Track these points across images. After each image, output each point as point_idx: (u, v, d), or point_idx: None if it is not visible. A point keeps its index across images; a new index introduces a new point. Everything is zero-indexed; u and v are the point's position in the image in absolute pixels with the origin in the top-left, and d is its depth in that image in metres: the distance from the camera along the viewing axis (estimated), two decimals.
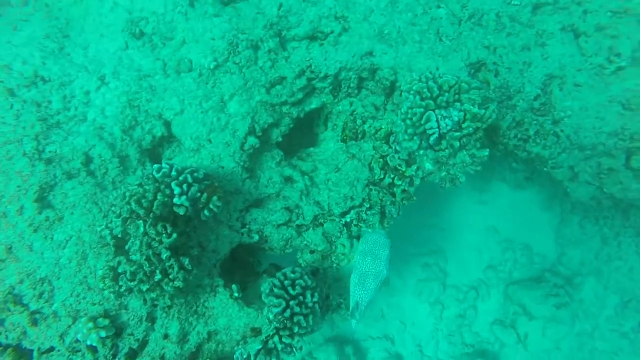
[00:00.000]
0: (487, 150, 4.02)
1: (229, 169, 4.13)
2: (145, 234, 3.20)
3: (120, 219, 3.24)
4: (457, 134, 3.79)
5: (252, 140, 4.24)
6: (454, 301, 7.06)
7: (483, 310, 7.11)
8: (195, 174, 3.49)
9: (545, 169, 5.06)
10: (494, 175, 7.78)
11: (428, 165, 4.31)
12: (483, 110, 3.83)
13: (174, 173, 3.42)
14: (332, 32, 4.61)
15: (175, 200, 3.33)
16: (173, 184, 3.35)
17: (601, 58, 4.95)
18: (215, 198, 3.55)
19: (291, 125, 4.69)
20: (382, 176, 4.52)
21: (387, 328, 6.65)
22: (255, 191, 4.24)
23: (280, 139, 4.65)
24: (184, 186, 3.37)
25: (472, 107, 3.72)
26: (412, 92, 3.85)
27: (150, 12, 4.64)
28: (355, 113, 4.72)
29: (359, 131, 4.73)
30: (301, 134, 5.41)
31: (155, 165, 3.46)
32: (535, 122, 4.82)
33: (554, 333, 6.64)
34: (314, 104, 4.72)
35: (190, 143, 4.19)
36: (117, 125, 4.10)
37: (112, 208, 3.34)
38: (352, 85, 4.63)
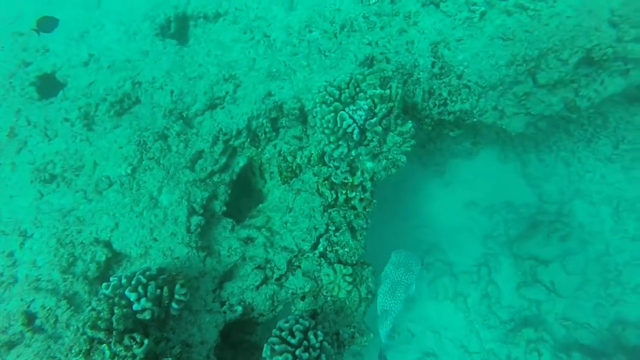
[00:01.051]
0: (411, 121, 4.11)
1: (184, 257, 3.92)
2: (114, 355, 2.87)
3: (80, 355, 2.90)
4: (374, 119, 3.87)
5: (195, 219, 4.11)
6: (471, 286, 6.78)
7: (502, 280, 6.85)
8: (148, 272, 3.27)
9: (475, 120, 5.21)
10: (444, 155, 7.94)
11: (368, 164, 4.32)
12: (387, 90, 3.97)
13: (124, 281, 3.18)
14: (227, 93, 4.77)
15: (135, 306, 3.08)
16: (127, 292, 3.11)
17: (465, 12, 5.39)
18: (177, 287, 3.31)
19: (229, 192, 4.61)
20: (334, 196, 4.47)
21: (422, 344, 6.19)
22: (220, 265, 4.01)
23: (224, 208, 4.54)
24: (140, 289, 3.14)
25: (374, 90, 3.85)
26: (317, 104, 3.95)
27: (53, 154, 4.61)
28: (282, 153, 4.75)
29: (294, 167, 4.73)
30: (248, 199, 5.34)
31: (104, 284, 3.22)
32: (443, 84, 5.06)
33: (575, 266, 6.46)
34: (241, 162, 4.71)
35: (136, 250, 3.98)
36: (54, 269, 3.85)
37: (71, 350, 3.01)
38: (267, 129, 4.70)
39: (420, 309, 6.61)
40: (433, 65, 5.16)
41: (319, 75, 4.80)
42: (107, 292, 3.14)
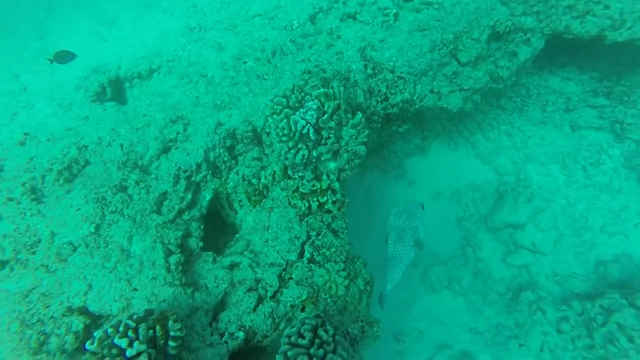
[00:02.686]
0: (360, 113, 4.32)
1: (170, 297, 3.70)
2: None
3: None
4: (325, 116, 4.04)
5: (174, 258, 3.93)
6: (461, 269, 6.85)
7: (487, 255, 7.01)
8: (135, 316, 3.05)
9: (417, 106, 5.55)
10: (399, 157, 8.26)
11: (331, 164, 4.43)
12: (330, 89, 4.18)
13: (110, 330, 2.94)
14: (177, 133, 4.78)
15: (129, 353, 2.83)
16: (116, 340, 2.86)
17: (380, 17, 5.92)
18: (171, 323, 3.10)
19: (202, 227, 4.50)
20: (307, 205, 4.50)
21: (433, 338, 6.06)
22: (210, 297, 3.81)
23: (201, 244, 4.39)
24: (130, 333, 2.90)
25: (318, 90, 4.05)
26: (268, 117, 4.07)
27: (1, 237, 4.31)
28: (246, 177, 4.75)
29: (261, 188, 4.72)
30: (224, 236, 5.21)
31: (87, 342, 2.95)
32: (379, 81, 5.40)
33: (547, 223, 6.77)
34: (207, 195, 4.64)
35: (117, 306, 3.71)
36: (22, 354, 3.47)
37: None
38: (225, 158, 4.72)
39: (421, 306, 6.54)
40: (366, 67, 5.52)
41: (262, 97, 4.97)
42: (93, 347, 2.87)
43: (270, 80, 5.19)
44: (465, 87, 5.64)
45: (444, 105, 5.58)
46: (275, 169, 4.61)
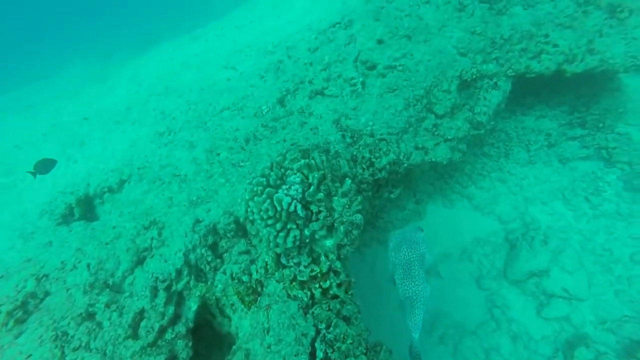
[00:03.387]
0: (349, 179, 3.94)
1: None
2: None
3: None
4: (312, 188, 3.63)
5: None
6: (494, 335, 6.00)
7: (519, 313, 6.22)
8: None
9: (405, 165, 5.24)
10: (395, 226, 7.79)
11: (328, 242, 3.91)
12: (312, 160, 3.85)
13: None
14: (152, 239, 4.25)
15: None
16: None
17: (348, 88, 5.91)
18: None
19: (190, 344, 3.74)
20: (309, 294, 3.87)
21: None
22: None
23: None
24: None
25: (299, 162, 3.70)
26: (249, 202, 3.64)
27: None
28: (235, 275, 4.14)
29: (254, 285, 4.10)
30: (219, 351, 4.41)
31: None
32: (361, 147, 5.15)
33: (572, 263, 6.18)
34: (192, 305, 3.97)
35: None
36: None
37: None
38: (209, 258, 4.16)
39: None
40: (344, 136, 5.31)
41: (241, 184, 4.59)
42: None
43: (247, 166, 4.88)
44: (449, 137, 5.44)
45: (433, 159, 5.31)
46: (266, 260, 4.04)
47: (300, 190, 3.57)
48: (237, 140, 5.37)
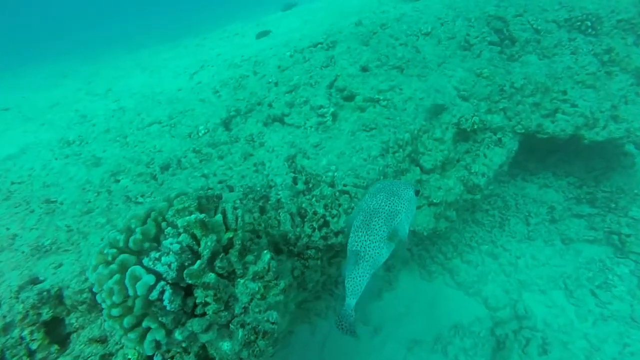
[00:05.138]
0: (268, 253, 2.50)
1: None
2: None
3: None
4: (198, 263, 2.17)
5: None
6: None
7: None
8: None
9: None
10: None
11: (225, 346, 2.41)
12: (219, 215, 2.41)
13: None
14: None
15: None
16: None
17: (314, 118, 4.60)
18: None
19: None
20: None
21: None
22: None
23: None
24: None
25: (189, 217, 2.26)
26: (93, 268, 2.15)
27: None
28: None
29: None
30: None
31: None
32: (314, 199, 3.75)
33: None
34: None
35: None
36: None
37: None
38: (34, 345, 2.60)
39: None
40: (295, 180, 3.93)
41: None
42: None
43: (146, 204, 3.41)
44: (435, 201, 4.08)
45: (410, 228, 3.91)
46: (131, 357, 2.50)
47: (175, 264, 2.11)
48: (152, 165, 3.94)
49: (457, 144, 4.67)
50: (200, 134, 4.46)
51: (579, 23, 6.13)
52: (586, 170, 7.02)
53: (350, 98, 4.79)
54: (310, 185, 3.97)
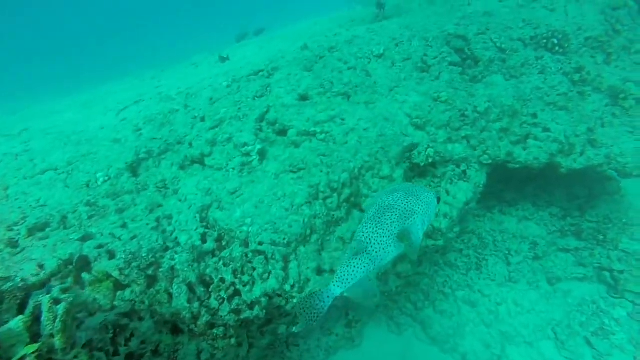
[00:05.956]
0: None
1: None
2: None
3: None
4: None
5: None
6: None
7: None
8: None
9: (297, 301, 3.04)
10: (316, 356, 5.38)
11: None
12: (20, 320, 1.59)
13: None
14: None
15: None
16: None
17: (238, 158, 3.86)
18: None
19: None
20: None
21: None
22: None
23: None
24: None
25: None
26: None
27: None
28: None
29: None
30: None
31: None
32: (222, 262, 2.94)
33: None
34: None
35: None
36: None
37: None
38: None
39: None
40: (204, 238, 3.13)
41: None
42: None
43: None
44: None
45: (346, 295, 3.11)
46: None
47: None
48: (19, 225, 3.12)
49: (411, 180, 3.93)
50: (99, 183, 3.67)
51: (545, 41, 5.59)
52: (569, 198, 6.33)
53: (283, 132, 4.06)
54: (224, 244, 3.18)
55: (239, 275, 2.89)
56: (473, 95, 4.88)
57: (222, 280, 2.88)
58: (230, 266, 2.89)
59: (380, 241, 2.05)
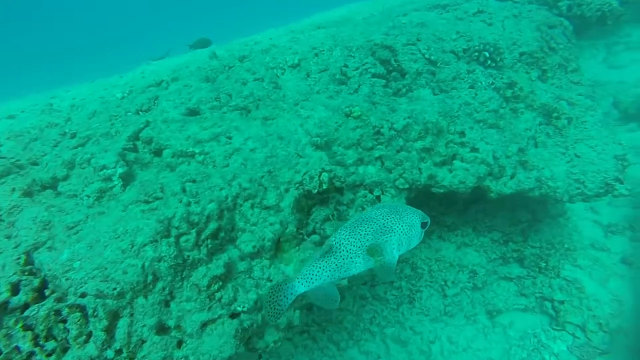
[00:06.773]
0: None
1: None
2: None
3: None
4: None
5: None
6: None
7: None
8: None
9: None
10: None
11: None
12: None
13: None
14: None
15: None
16: None
17: (96, 183, 3.20)
18: None
19: None
20: None
21: None
22: None
23: None
24: None
25: None
26: None
27: None
28: None
29: None
30: None
31: None
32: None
33: None
34: None
35: None
36: None
37: None
38: None
39: None
40: (16, 288, 2.43)
41: None
42: None
43: None
44: (246, 308, 2.65)
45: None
46: None
47: None
48: None
49: (305, 212, 3.35)
50: None
51: (477, 54, 5.21)
52: (511, 222, 5.91)
53: (159, 152, 3.43)
54: (48, 294, 2.48)
55: (41, 342, 2.20)
56: (395, 110, 4.40)
57: (19, 350, 2.18)
58: (29, 333, 2.20)
59: (350, 249, 2.05)
